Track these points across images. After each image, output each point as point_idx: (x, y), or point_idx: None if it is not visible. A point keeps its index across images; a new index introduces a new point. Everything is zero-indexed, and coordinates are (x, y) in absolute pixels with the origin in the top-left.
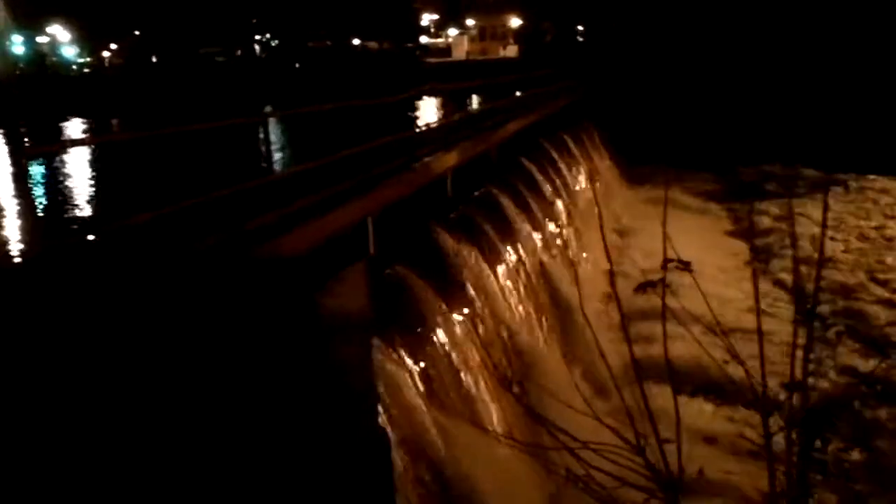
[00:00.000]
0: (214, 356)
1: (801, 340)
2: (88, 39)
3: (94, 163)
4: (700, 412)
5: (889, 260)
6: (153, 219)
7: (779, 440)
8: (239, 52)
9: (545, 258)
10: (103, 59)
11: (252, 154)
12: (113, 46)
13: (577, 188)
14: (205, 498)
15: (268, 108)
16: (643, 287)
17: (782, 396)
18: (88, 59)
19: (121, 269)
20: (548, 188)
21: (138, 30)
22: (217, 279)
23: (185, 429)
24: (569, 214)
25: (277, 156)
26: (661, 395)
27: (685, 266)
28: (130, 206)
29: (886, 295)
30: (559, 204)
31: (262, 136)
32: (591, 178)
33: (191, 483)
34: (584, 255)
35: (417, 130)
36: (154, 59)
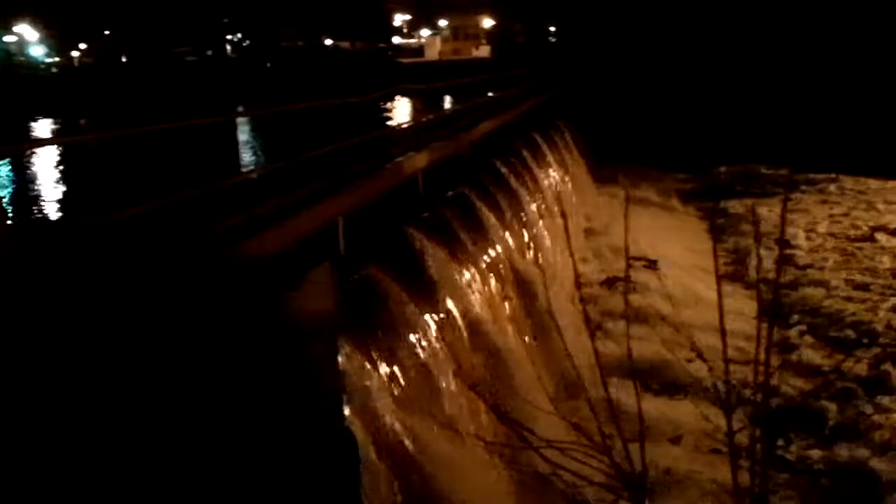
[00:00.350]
0: (181, 355)
1: (764, 339)
2: (57, 38)
3: (62, 163)
4: (665, 410)
5: (854, 259)
6: (120, 219)
7: (743, 438)
8: (210, 52)
9: (516, 258)
10: (73, 58)
11: (222, 154)
12: (83, 46)
13: (549, 188)
14: (169, 494)
15: (239, 108)
16: (609, 282)
17: (746, 395)
18: (57, 59)
19: (88, 270)
20: (520, 188)
21: (108, 29)
22: (184, 280)
23: (151, 425)
24: (540, 214)
25: (248, 156)
26: (627, 394)
27: (652, 264)
28: (98, 207)
29: (850, 293)
30: (531, 204)
31: (232, 136)
32: (563, 178)
33: (154, 478)
34: (556, 255)
35: (389, 130)
36: (124, 59)
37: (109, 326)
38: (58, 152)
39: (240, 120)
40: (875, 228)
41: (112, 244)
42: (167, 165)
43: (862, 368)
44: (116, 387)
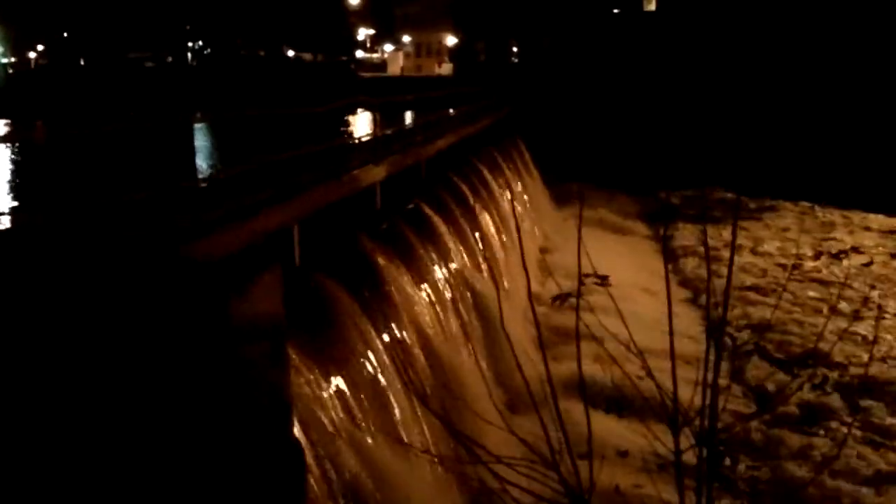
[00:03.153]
0: (122, 356)
1: (712, 360)
2: (14, 39)
3: (13, 163)
4: (613, 427)
5: (800, 282)
6: (68, 218)
7: (689, 457)
8: (170, 59)
9: (471, 273)
10: (29, 59)
11: (178, 158)
12: (40, 47)
13: (505, 205)
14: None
15: (197, 115)
16: (560, 297)
17: (693, 414)
18: (13, 60)
19: (33, 268)
20: (476, 204)
21: (66, 31)
22: (130, 280)
23: (90, 430)
24: (496, 230)
25: (204, 161)
26: (577, 411)
27: (602, 280)
28: (48, 207)
29: (797, 315)
30: (487, 220)
31: (189, 140)
32: (519, 196)
33: (84, 487)
34: (510, 271)
35: (348, 141)
36: (82, 62)
37: (46, 323)
38: (9, 152)
39: (197, 125)
40: (820, 252)
41: (58, 243)
42: (121, 168)
43: (806, 389)
44: (55, 390)
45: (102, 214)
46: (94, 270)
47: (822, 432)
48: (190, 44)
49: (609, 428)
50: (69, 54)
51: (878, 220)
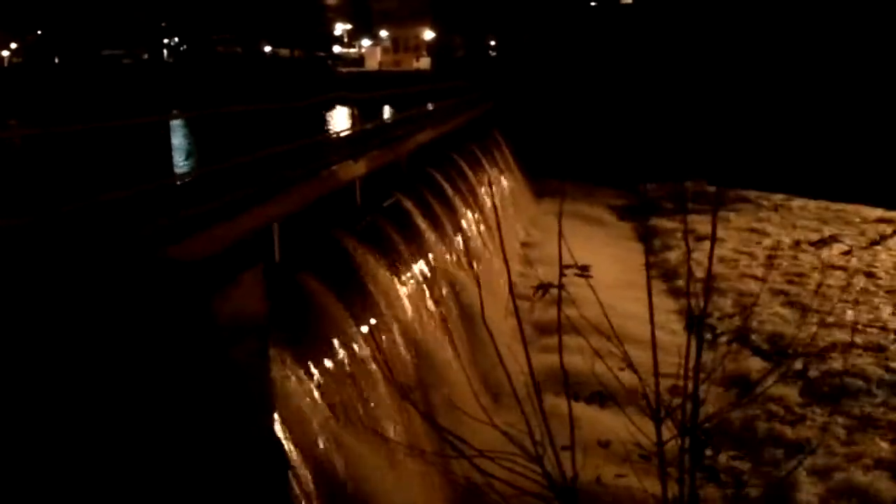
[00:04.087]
0: (105, 357)
1: (693, 350)
2: None
3: None
4: (596, 419)
5: (781, 273)
6: (47, 219)
7: (672, 448)
8: (146, 56)
9: (452, 268)
10: (2, 58)
11: (156, 156)
12: (13, 45)
13: (486, 200)
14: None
15: (174, 112)
16: (542, 288)
17: (675, 405)
18: None
19: (14, 271)
20: (457, 199)
21: (40, 29)
22: (110, 281)
23: (73, 427)
24: (477, 225)
25: (182, 159)
26: (559, 403)
27: (583, 271)
28: (24, 208)
29: (777, 306)
30: (468, 215)
31: (166, 138)
32: (500, 191)
33: (71, 484)
34: (492, 264)
35: (327, 138)
36: (56, 60)
37: (32, 324)
38: None
39: (175, 122)
40: (799, 241)
41: (36, 244)
42: (98, 167)
43: (789, 378)
44: (35, 390)
45: (82, 215)
46: (76, 272)
47: (803, 421)
48: (166, 40)
49: (591, 419)
50: (43, 52)
51: (857, 210)
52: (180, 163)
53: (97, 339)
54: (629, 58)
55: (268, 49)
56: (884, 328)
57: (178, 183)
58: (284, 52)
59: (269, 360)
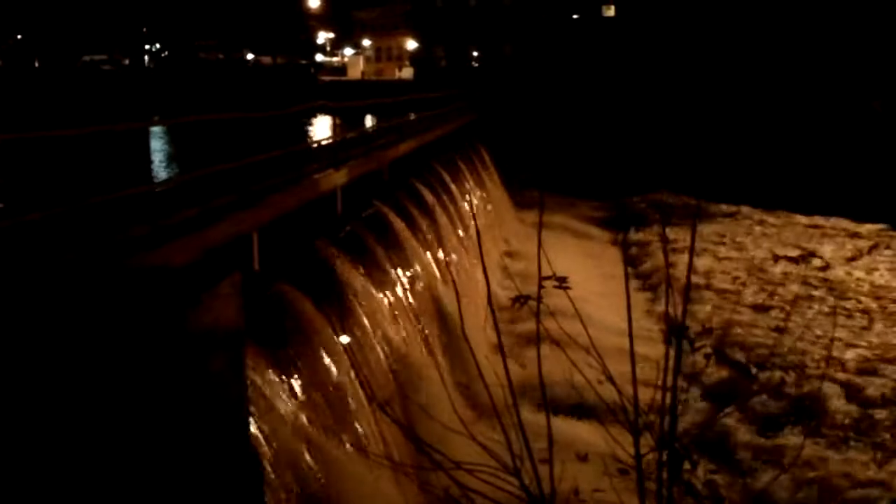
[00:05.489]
0: (74, 369)
1: (672, 363)
2: None
3: None
4: (574, 432)
5: (759, 286)
6: (16, 225)
7: (650, 461)
8: (127, 62)
9: (432, 279)
10: None
11: (133, 163)
12: None
13: (467, 211)
14: None
15: (155, 118)
16: (520, 300)
17: (653, 418)
18: None
19: None
20: (438, 210)
21: (20, 33)
22: (84, 291)
23: (50, 440)
24: (458, 236)
25: (161, 166)
26: (538, 415)
27: (562, 282)
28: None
29: (755, 318)
30: (449, 225)
31: (145, 145)
32: (481, 202)
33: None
34: (472, 276)
35: (308, 146)
36: (37, 65)
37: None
38: None
39: (155, 129)
40: (778, 257)
41: (6, 252)
42: (74, 173)
43: (766, 392)
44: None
45: (54, 222)
46: (45, 282)
47: (781, 435)
48: (147, 46)
49: (570, 432)
50: (23, 57)
51: (836, 224)
52: (159, 170)
53: (67, 350)
54: (611, 70)
55: (250, 56)
56: (861, 343)
57: (157, 190)
58: (266, 59)
59: (244, 370)
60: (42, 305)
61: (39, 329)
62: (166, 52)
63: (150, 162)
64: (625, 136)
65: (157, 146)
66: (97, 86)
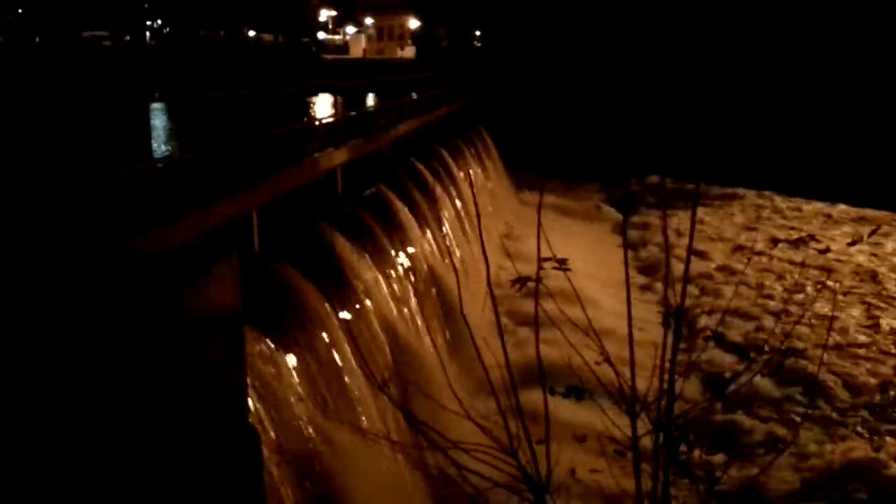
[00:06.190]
0: (73, 350)
1: (669, 346)
2: None
3: None
4: (572, 414)
5: (758, 269)
6: (11, 205)
7: (646, 443)
8: (128, 38)
9: (432, 259)
10: None
11: (133, 142)
12: None
13: (468, 192)
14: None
15: (156, 95)
16: (520, 281)
17: (651, 400)
18: None
19: None
20: (439, 190)
21: (21, 8)
22: (83, 270)
23: (43, 419)
24: (458, 217)
25: (162, 144)
26: (535, 396)
27: (561, 264)
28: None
29: (754, 301)
30: (449, 206)
31: (145, 123)
32: (481, 183)
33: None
34: (472, 257)
35: (309, 125)
36: (37, 40)
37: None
38: None
39: (155, 106)
40: (777, 240)
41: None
42: (74, 152)
43: (764, 376)
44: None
45: (54, 201)
46: (44, 262)
47: (777, 418)
48: (148, 23)
49: (568, 413)
50: (24, 32)
51: (837, 209)
52: (160, 148)
53: (66, 330)
54: (613, 54)
55: (251, 34)
56: (858, 327)
57: (155, 169)
58: (268, 37)
59: (243, 349)
60: (43, 288)
61: (42, 310)
62: (168, 29)
63: (149, 140)
64: (625, 119)
65: (158, 123)
66: (98, 62)
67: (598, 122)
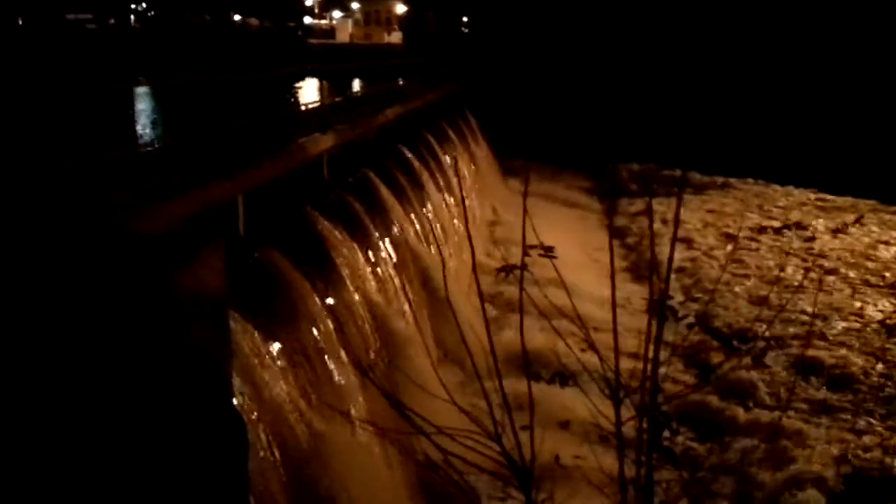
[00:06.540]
0: (62, 331)
1: (654, 333)
2: None
3: None
4: (556, 400)
5: (743, 257)
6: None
7: (630, 429)
8: (112, 21)
9: (418, 246)
10: None
11: (119, 126)
12: None
13: (455, 178)
14: (40, 473)
15: (140, 79)
16: (506, 269)
17: (635, 386)
18: None
19: None
20: (426, 176)
21: None
22: (69, 254)
23: (33, 409)
24: (444, 203)
25: (147, 128)
26: (520, 382)
27: (548, 251)
28: None
29: (738, 289)
30: (436, 192)
31: (130, 107)
32: (468, 170)
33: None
34: (458, 243)
35: (295, 110)
36: (20, 22)
37: None
38: None
39: (140, 90)
40: (762, 228)
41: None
42: (60, 136)
43: (746, 363)
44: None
45: (42, 185)
46: (36, 245)
47: (760, 406)
48: (133, 6)
49: (551, 400)
50: (7, 14)
51: (823, 197)
52: (144, 133)
53: (55, 311)
54: (600, 41)
55: (237, 18)
56: (843, 315)
57: (140, 154)
58: (254, 21)
59: (228, 334)
60: (37, 267)
61: (36, 289)
62: (153, 13)
63: (134, 125)
64: (612, 107)
65: (143, 108)
66: (81, 45)
67: (585, 108)
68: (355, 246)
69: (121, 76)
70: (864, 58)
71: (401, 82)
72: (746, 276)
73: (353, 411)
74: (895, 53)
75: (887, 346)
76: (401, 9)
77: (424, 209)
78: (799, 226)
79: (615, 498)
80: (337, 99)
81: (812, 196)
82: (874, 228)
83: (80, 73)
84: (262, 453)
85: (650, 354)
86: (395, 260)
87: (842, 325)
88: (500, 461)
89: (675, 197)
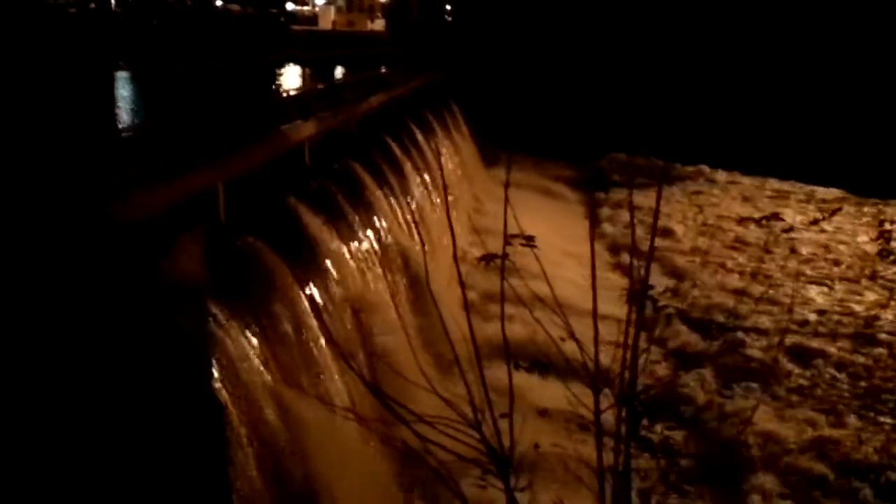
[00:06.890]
0: (45, 318)
1: (634, 322)
2: None
3: None
4: (536, 388)
5: (723, 247)
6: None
7: (609, 418)
8: (92, 5)
9: (400, 235)
10: None
11: (99, 113)
12: None
13: (438, 167)
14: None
15: (120, 65)
16: (486, 258)
17: (614, 375)
18: None
19: None
20: (408, 165)
21: None
22: (50, 241)
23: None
24: (427, 192)
25: (127, 115)
26: (500, 371)
27: (529, 241)
28: None
29: (718, 279)
30: (418, 181)
31: (109, 93)
32: (451, 159)
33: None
34: (440, 232)
35: (276, 97)
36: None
37: None
38: None
39: (120, 76)
40: (743, 219)
41: None
42: (38, 122)
43: (726, 353)
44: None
45: (24, 173)
46: (20, 233)
47: (737, 396)
48: None
49: (532, 388)
50: None
51: (801, 188)
52: (125, 120)
53: (37, 299)
54: (584, 32)
55: (219, 3)
56: (819, 308)
57: (119, 141)
58: (236, 7)
59: (207, 323)
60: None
61: (20, 276)
62: None
63: (114, 111)
64: (596, 98)
65: (123, 93)
66: (62, 28)
67: (569, 99)
68: (336, 233)
69: (101, 61)
70: (848, 50)
71: (384, 70)
72: (725, 267)
73: (332, 397)
74: (881, 46)
75: (864, 332)
76: None
77: (407, 197)
78: (778, 216)
79: (593, 485)
80: (319, 86)
81: (794, 187)
82: (853, 220)
83: (60, 58)
84: (240, 438)
85: (630, 344)
86: (376, 248)
87: (817, 316)
88: (479, 449)
89: (655, 187)
